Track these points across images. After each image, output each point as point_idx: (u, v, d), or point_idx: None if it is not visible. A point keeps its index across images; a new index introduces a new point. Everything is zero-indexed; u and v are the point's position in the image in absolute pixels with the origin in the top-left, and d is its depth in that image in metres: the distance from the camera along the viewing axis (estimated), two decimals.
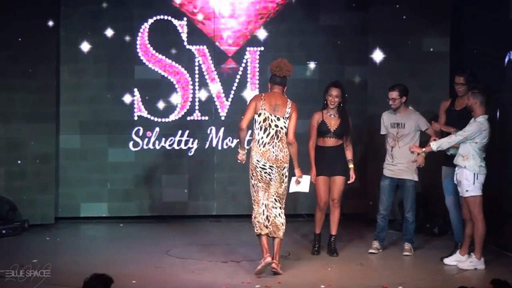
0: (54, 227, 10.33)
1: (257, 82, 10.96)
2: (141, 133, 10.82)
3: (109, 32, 10.74)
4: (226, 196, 10.99)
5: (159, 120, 10.86)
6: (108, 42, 10.75)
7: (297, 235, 9.83)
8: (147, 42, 10.80)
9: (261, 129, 7.91)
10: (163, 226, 10.62)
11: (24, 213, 10.16)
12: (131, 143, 10.81)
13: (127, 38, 10.77)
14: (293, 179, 8.20)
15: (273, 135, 7.90)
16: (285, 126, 7.92)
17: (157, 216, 10.89)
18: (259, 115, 7.91)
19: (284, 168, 7.96)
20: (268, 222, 7.85)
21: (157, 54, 10.82)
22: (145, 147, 10.84)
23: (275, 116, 7.91)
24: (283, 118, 7.92)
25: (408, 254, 8.84)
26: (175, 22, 10.85)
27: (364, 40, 10.90)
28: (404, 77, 10.31)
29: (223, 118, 10.96)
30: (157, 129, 10.85)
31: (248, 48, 10.96)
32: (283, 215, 7.97)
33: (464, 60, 10.36)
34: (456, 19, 10.66)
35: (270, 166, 7.89)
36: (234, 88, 10.96)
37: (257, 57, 10.96)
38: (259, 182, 7.88)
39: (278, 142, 7.90)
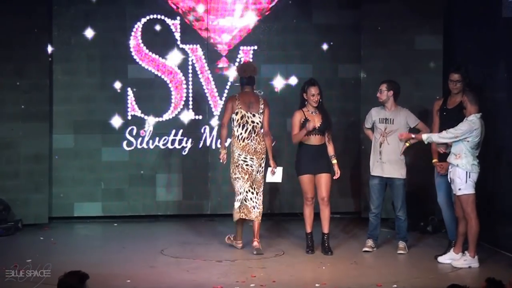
0: (47, 226, 10.31)
1: None
2: (134, 132, 10.81)
3: (102, 31, 10.72)
4: (220, 195, 10.97)
5: (153, 119, 10.84)
6: (101, 41, 10.73)
7: (292, 234, 9.83)
8: (140, 41, 10.78)
9: (239, 126, 8.81)
10: (157, 225, 10.61)
11: (17, 213, 10.14)
12: (124, 143, 10.80)
13: (120, 37, 10.75)
14: (269, 169, 8.98)
15: (250, 130, 8.81)
16: (260, 121, 8.85)
17: (151, 215, 10.88)
18: (236, 113, 8.81)
19: (262, 159, 8.88)
20: (243, 207, 8.81)
21: (150, 53, 10.81)
22: (138, 146, 10.82)
23: (251, 113, 8.82)
24: (258, 114, 8.84)
25: (402, 253, 8.85)
26: (168, 21, 10.83)
27: (357, 38, 10.90)
28: (397, 74, 10.32)
29: (217, 117, 10.95)
30: (151, 128, 10.84)
31: (241, 47, 10.95)
32: (257, 200, 8.82)
33: (457, 58, 10.37)
34: (449, 17, 10.68)
35: (250, 158, 8.80)
36: (227, 87, 10.95)
37: (251, 55, 10.95)
38: (241, 174, 8.77)
39: (256, 136, 8.83)
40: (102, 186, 10.75)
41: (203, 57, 10.89)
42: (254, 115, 8.81)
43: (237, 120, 8.80)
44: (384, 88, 8.89)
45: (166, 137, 10.86)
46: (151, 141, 10.85)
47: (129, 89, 10.78)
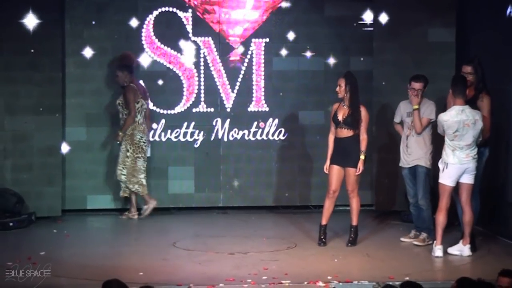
0: (60, 219, 10.34)
1: (263, 73, 10.94)
2: None
3: (114, 24, 10.73)
4: (232, 187, 10.99)
5: (165, 112, 10.86)
6: (113, 34, 10.75)
7: (304, 226, 9.84)
8: (152, 34, 10.79)
9: (138, 113, 10.25)
10: (169, 218, 10.63)
11: (31, 206, 10.18)
12: None
13: (132, 30, 10.76)
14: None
15: (144, 115, 10.35)
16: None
17: (164, 208, 10.89)
18: (138, 103, 10.26)
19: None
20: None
21: (162, 46, 10.82)
22: (151, 139, 10.83)
23: (145, 101, 10.36)
24: (148, 100, 10.50)
25: (418, 244, 8.82)
26: (180, 13, 10.83)
27: (369, 31, 10.87)
28: (409, 67, 10.29)
29: (228, 109, 10.95)
30: (163, 121, 10.85)
31: (253, 40, 10.94)
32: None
33: (470, 51, 10.32)
34: (461, 9, 10.63)
35: (145, 139, 10.33)
36: (239, 79, 10.95)
37: (263, 48, 10.94)
38: (141, 154, 10.27)
39: (146, 120, 10.39)
40: (114, 179, 10.77)
41: (215, 49, 10.89)
42: (146, 102, 10.36)
43: (138, 108, 10.22)
44: (420, 86, 8.81)
45: (178, 129, 10.87)
46: (163, 134, 10.87)
47: (141, 81, 10.79)
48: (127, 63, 10.41)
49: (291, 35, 10.95)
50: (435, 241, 8.37)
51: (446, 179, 8.28)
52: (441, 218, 8.31)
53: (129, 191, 10.34)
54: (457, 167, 8.22)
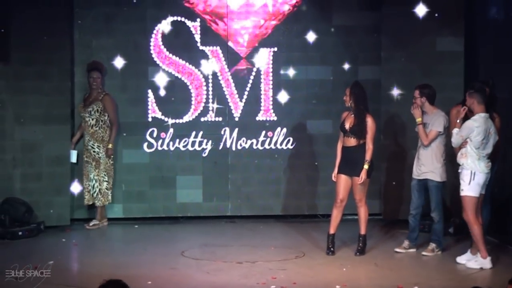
0: (69, 228, 10.37)
1: (271, 82, 10.96)
2: (155, 134, 10.85)
3: (123, 34, 10.77)
4: (240, 196, 10.99)
5: (173, 121, 10.88)
6: (122, 44, 10.78)
7: (312, 236, 9.83)
8: (160, 43, 10.83)
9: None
10: (177, 227, 10.64)
11: (40, 215, 10.19)
12: (145, 144, 10.84)
13: (141, 39, 10.80)
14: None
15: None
16: None
17: (172, 217, 10.91)
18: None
19: None
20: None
21: (170, 55, 10.85)
22: (159, 148, 10.86)
23: None
24: None
25: (426, 254, 8.79)
26: (188, 23, 10.87)
27: (377, 40, 10.88)
28: (418, 76, 10.29)
29: (236, 119, 10.97)
30: (171, 130, 10.87)
31: (261, 49, 10.96)
32: None
33: (479, 60, 10.31)
34: (470, 18, 10.62)
35: (97, 145, 10.40)
36: (247, 89, 10.97)
37: (271, 57, 10.96)
38: (89, 158, 10.38)
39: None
40: (123, 188, 10.80)
41: (223, 59, 10.91)
42: None
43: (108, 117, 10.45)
44: (416, 94, 8.88)
45: (186, 138, 10.88)
46: (171, 143, 10.88)
47: (149, 91, 10.83)
48: (102, 71, 10.61)
49: (299, 44, 10.97)
50: (479, 254, 8.20)
51: (475, 190, 8.08)
52: (478, 230, 8.13)
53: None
54: (485, 175, 8.12)
